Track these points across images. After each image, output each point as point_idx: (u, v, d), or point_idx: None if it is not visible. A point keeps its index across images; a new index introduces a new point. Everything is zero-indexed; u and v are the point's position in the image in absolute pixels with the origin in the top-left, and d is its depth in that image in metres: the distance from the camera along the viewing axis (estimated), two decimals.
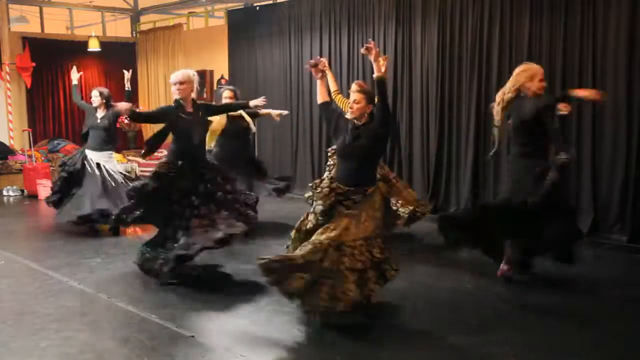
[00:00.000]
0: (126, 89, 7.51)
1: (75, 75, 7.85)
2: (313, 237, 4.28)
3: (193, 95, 5.54)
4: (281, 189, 7.29)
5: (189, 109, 5.46)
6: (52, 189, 7.87)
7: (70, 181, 7.44)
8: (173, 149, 5.54)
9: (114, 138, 7.64)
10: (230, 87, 7.45)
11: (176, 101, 5.46)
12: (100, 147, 7.43)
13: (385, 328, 4.27)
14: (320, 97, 4.72)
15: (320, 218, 4.38)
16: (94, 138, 7.44)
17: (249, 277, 5.50)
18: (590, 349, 3.97)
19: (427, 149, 8.46)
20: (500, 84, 7.46)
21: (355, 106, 4.42)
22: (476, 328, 4.30)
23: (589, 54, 6.78)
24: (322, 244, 4.19)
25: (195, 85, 5.54)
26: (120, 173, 7.52)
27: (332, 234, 4.24)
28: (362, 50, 4.40)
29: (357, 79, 8.80)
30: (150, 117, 6.33)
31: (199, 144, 5.54)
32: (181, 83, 5.38)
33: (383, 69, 4.30)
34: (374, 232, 4.34)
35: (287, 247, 4.61)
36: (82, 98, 8.27)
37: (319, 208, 4.39)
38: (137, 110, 6.47)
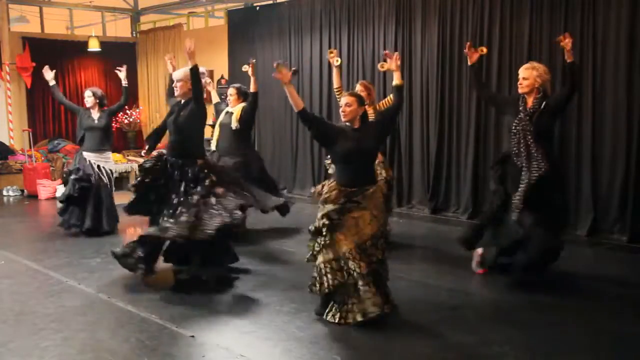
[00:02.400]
0: (123, 84, 7.46)
1: (49, 75, 7.55)
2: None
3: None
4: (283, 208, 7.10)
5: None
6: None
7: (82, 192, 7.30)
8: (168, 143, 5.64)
9: (110, 138, 7.57)
10: (236, 85, 7.46)
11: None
12: (98, 148, 7.37)
13: (385, 328, 4.27)
14: (298, 105, 4.41)
15: (335, 217, 4.32)
16: (91, 139, 7.35)
17: (248, 277, 5.50)
18: (591, 349, 3.97)
19: (427, 149, 8.46)
20: (501, 83, 7.53)
21: (347, 109, 4.42)
22: (476, 328, 4.30)
23: (589, 54, 6.78)
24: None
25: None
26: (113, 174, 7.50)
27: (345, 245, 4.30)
28: (380, 65, 4.47)
29: (357, 79, 8.85)
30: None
31: (185, 139, 5.45)
32: (178, 81, 5.42)
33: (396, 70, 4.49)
34: (379, 232, 4.35)
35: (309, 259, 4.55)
36: (64, 96, 8.17)
37: (331, 208, 4.34)
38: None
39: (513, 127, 5.13)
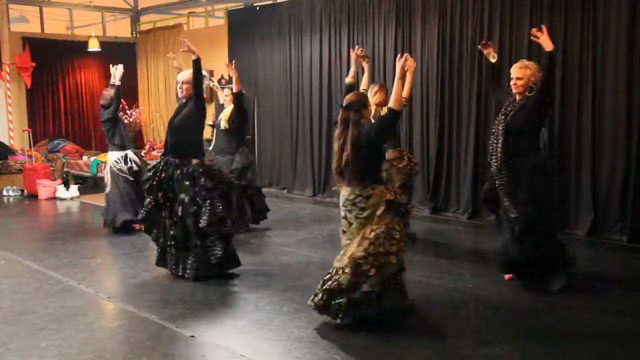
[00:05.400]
0: (111, 82, 7.33)
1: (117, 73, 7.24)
2: None
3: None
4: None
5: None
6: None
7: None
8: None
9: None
10: (230, 85, 7.52)
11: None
12: None
13: (385, 328, 4.27)
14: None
15: None
16: None
17: (248, 277, 5.50)
18: (591, 349, 3.97)
19: (427, 149, 8.46)
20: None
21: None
22: (476, 328, 4.30)
23: (589, 54, 6.77)
24: None
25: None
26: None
27: None
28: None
29: (356, 78, 8.84)
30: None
31: (181, 139, 5.44)
32: (183, 82, 5.43)
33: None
34: None
35: None
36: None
37: None
38: None
39: (492, 128, 5.11)
